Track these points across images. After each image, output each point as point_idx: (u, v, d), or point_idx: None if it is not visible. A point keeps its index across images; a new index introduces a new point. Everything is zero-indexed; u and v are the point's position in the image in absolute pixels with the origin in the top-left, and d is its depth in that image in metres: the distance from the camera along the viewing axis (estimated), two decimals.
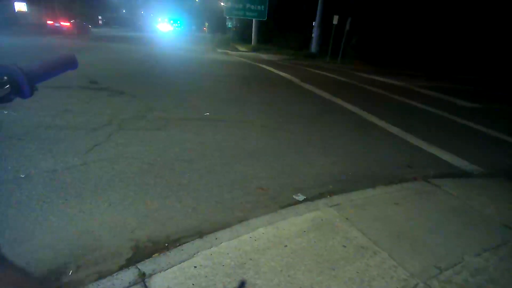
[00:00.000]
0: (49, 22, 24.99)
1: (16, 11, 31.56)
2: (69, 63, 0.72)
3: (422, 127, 4.99)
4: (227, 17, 22.91)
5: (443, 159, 3.72)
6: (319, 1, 17.87)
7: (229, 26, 24.06)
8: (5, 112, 3.61)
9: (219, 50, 17.64)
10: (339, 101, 6.27)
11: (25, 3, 32.97)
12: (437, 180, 2.99)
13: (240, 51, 18.70)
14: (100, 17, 52.69)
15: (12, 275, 0.55)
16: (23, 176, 2.41)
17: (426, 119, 5.71)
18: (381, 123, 4.96)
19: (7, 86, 0.58)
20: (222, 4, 25.42)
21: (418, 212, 2.39)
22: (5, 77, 0.57)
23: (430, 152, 3.90)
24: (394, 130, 4.67)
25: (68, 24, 24.33)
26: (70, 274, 1.59)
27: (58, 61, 0.70)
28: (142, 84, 6.27)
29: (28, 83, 0.60)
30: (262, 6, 19.56)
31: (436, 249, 1.94)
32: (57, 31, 22.53)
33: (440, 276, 1.70)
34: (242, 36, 23.93)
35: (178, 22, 55.14)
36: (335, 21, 14.94)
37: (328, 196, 2.54)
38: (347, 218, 2.18)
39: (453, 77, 12.69)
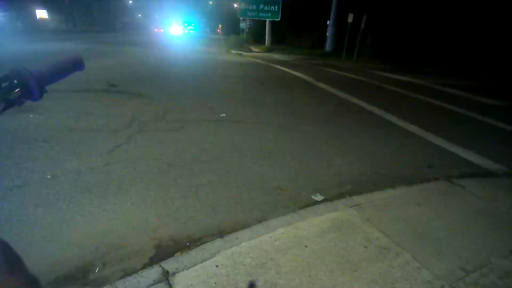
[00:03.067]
0: (155, 29, 51.59)
1: (37, 18, 32.81)
2: (76, 64, 0.71)
3: (443, 126, 4.86)
4: (241, 19, 22.97)
5: (466, 158, 3.61)
6: (333, 0, 17.72)
7: (243, 27, 24.13)
8: (31, 116, 3.76)
9: (233, 52, 17.74)
10: (356, 101, 6.20)
11: (45, 11, 34.23)
12: (460, 180, 2.91)
13: (254, 52, 18.75)
14: (117, 22, 53.95)
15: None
16: (49, 177, 2.51)
17: (446, 118, 5.56)
18: (400, 122, 4.86)
19: (18, 89, 0.58)
20: (235, 5, 25.55)
21: (442, 213, 2.34)
22: (15, 81, 0.58)
23: (452, 151, 3.80)
24: (414, 129, 4.57)
25: (162, 30, 51.15)
26: (96, 271, 1.64)
27: (65, 62, 0.69)
28: (159, 87, 6.39)
29: (38, 85, 0.61)
30: (276, 7, 19.53)
31: (462, 251, 1.89)
32: (159, 33, 43.98)
33: (467, 279, 1.66)
34: (256, 37, 24.01)
35: (192, 24, 55.81)
36: (350, 20, 14.77)
37: (348, 196, 2.51)
38: (367, 219, 2.16)
39: (473, 74, 12.30)
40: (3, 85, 0.57)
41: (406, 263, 1.75)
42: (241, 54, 16.68)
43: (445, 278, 1.65)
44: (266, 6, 19.60)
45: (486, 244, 1.99)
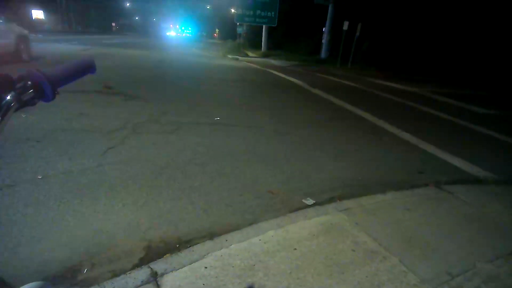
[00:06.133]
0: (168, 33, 52.80)
1: (33, 18, 32.66)
2: (88, 68, 0.74)
3: (435, 133, 4.93)
4: (238, 24, 23.14)
5: (456, 165, 3.67)
6: (329, 7, 17.95)
7: (240, 32, 24.30)
8: (24, 116, 3.73)
9: (230, 56, 17.82)
10: (349, 107, 6.27)
11: (42, 11, 34.10)
12: (449, 187, 2.96)
13: (251, 57, 18.85)
14: (113, 24, 53.93)
15: None
16: (40, 177, 2.50)
17: (438, 125, 5.65)
18: (392, 129, 4.93)
19: (31, 90, 0.60)
20: (232, 11, 25.74)
21: (430, 218, 2.37)
22: (29, 82, 0.60)
23: (443, 158, 3.86)
24: (406, 136, 4.63)
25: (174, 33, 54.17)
26: (85, 272, 1.64)
27: (78, 65, 0.71)
28: (155, 89, 6.40)
29: (51, 87, 0.63)
30: (273, 13, 19.71)
31: (448, 256, 1.92)
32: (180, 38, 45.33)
33: (452, 282, 1.69)
34: (253, 42, 24.15)
35: (190, 28, 56.13)
36: (345, 27, 14.95)
37: (338, 200, 2.54)
38: (356, 223, 2.18)
39: (466, 82, 12.50)
40: (18, 85, 0.59)
41: (393, 266, 1.77)
42: (237, 59, 16.76)
43: (430, 281, 1.68)
44: (263, 12, 19.77)
45: (472, 249, 2.03)
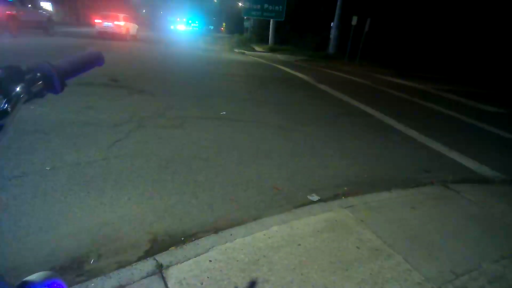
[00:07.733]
0: (172, 26, 52.90)
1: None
2: (97, 60, 0.74)
3: (442, 131, 4.88)
4: (245, 18, 23.01)
5: (463, 164, 3.63)
6: (338, 2, 17.73)
7: (247, 26, 24.18)
8: (32, 108, 3.77)
9: (237, 50, 17.76)
10: (356, 103, 6.22)
11: (50, 3, 34.22)
12: (456, 186, 2.93)
13: (257, 51, 18.77)
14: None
15: None
16: (48, 168, 2.53)
17: (446, 123, 5.58)
18: (399, 126, 4.88)
19: (40, 82, 0.61)
20: (240, 4, 25.58)
21: (435, 217, 2.36)
22: (38, 74, 0.60)
23: (450, 156, 3.82)
24: (413, 133, 4.59)
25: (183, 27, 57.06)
26: (91, 262, 1.66)
27: (86, 58, 0.71)
28: (161, 83, 6.41)
29: (60, 79, 0.63)
30: (280, 7, 19.59)
31: (453, 255, 1.91)
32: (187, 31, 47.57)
33: (456, 282, 1.68)
34: (260, 36, 24.03)
35: (197, 22, 55.99)
36: (354, 22, 14.79)
37: (343, 197, 2.54)
38: (361, 220, 2.18)
39: (475, 80, 12.31)
40: (27, 77, 0.60)
41: (397, 264, 1.77)
42: (244, 53, 16.71)
43: (435, 280, 1.67)
44: (270, 6, 19.66)
45: (478, 249, 2.01)
